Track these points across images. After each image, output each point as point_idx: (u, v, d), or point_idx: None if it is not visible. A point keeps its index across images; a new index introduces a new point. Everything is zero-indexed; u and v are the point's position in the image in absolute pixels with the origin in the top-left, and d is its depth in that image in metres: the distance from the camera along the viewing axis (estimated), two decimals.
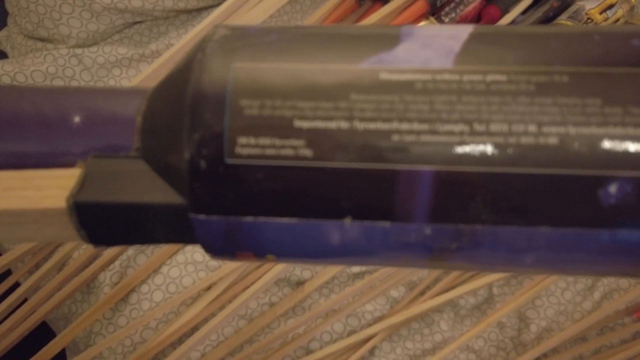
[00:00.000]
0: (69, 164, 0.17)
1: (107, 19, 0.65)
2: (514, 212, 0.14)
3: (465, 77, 0.14)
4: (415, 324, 0.62)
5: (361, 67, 0.15)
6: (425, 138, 0.14)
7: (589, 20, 0.68)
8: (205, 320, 0.56)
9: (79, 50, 0.64)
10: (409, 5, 0.65)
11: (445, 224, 0.15)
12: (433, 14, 0.66)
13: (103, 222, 0.16)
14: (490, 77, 0.14)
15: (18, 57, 0.66)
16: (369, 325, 0.60)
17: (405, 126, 0.14)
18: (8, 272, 0.60)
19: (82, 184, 0.16)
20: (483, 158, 0.14)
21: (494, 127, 0.14)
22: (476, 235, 0.15)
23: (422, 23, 0.64)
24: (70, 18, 0.64)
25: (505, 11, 0.68)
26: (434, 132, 0.14)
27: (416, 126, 0.14)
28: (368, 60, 0.15)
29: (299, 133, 0.14)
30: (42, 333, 0.61)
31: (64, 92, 0.18)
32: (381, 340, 0.60)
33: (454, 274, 0.61)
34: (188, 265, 0.58)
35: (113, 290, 0.57)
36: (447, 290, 0.60)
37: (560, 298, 0.64)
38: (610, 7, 0.69)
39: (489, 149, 0.14)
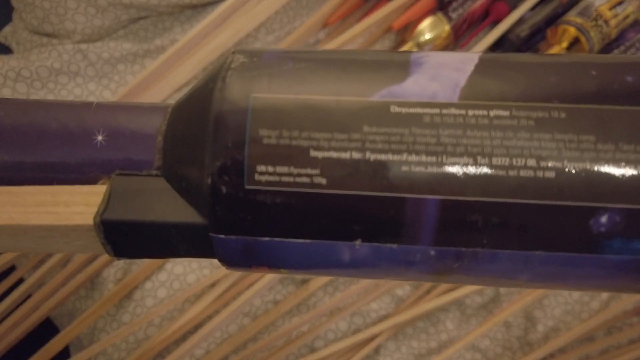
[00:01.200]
0: (93, 179, 0.18)
1: (112, 15, 0.65)
2: (512, 238, 0.15)
3: (470, 112, 0.15)
4: (421, 323, 0.61)
5: (373, 100, 0.16)
6: (432, 169, 0.15)
7: (599, 17, 0.67)
8: (209, 317, 0.55)
9: (83, 46, 0.64)
10: (416, 1, 0.64)
11: (448, 246, 0.16)
12: (441, 9, 0.65)
13: (128, 238, 0.17)
14: (493, 112, 0.15)
15: (23, 52, 0.66)
16: (374, 323, 0.59)
17: (413, 158, 0.15)
18: (12, 268, 0.60)
19: (108, 202, 0.17)
20: (485, 189, 0.15)
21: (496, 161, 0.15)
22: (476, 257, 0.16)
23: (429, 19, 0.64)
24: (75, 13, 0.63)
25: (513, 7, 0.67)
26: (440, 164, 0.15)
27: (424, 158, 0.15)
28: (379, 94, 0.16)
29: (314, 162, 0.15)
30: (46, 329, 0.60)
31: (86, 109, 0.19)
32: (386, 339, 0.60)
33: None
34: (192, 262, 0.58)
35: (117, 286, 0.57)
36: (453, 288, 0.60)
37: (567, 297, 0.63)
38: (620, 3, 0.68)
39: (490, 180, 0.15)
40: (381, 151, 0.15)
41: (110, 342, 0.55)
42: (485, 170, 0.15)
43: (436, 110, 0.15)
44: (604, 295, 0.63)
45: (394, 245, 0.16)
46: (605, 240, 0.15)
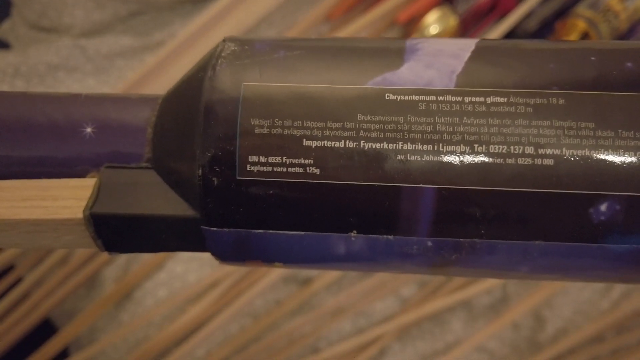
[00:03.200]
0: (82, 172, 0.18)
1: (111, 9, 0.64)
2: (511, 228, 0.15)
3: (467, 99, 0.15)
4: (427, 323, 0.60)
5: (367, 88, 0.15)
6: (428, 158, 0.15)
7: (608, 10, 0.65)
8: (210, 317, 0.55)
9: (82, 41, 0.63)
10: None
11: (446, 237, 0.15)
12: (447, 1, 0.64)
13: (118, 232, 0.17)
14: (490, 99, 0.15)
15: (21, 48, 0.65)
16: (379, 324, 0.58)
17: (409, 147, 0.15)
18: (11, 268, 0.60)
19: (97, 195, 0.17)
20: (482, 177, 0.15)
21: (493, 148, 0.15)
22: (475, 248, 0.15)
23: (435, 12, 0.62)
24: (74, 8, 0.63)
25: (520, 0, 0.66)
26: (436, 153, 0.15)
27: (420, 147, 0.15)
28: (373, 81, 0.16)
29: (307, 152, 0.15)
30: (46, 329, 0.60)
31: (74, 101, 0.19)
32: (391, 340, 0.59)
33: None
34: (193, 261, 0.57)
35: (117, 286, 0.56)
36: (459, 288, 0.59)
37: (577, 297, 0.62)
38: None
39: (488, 169, 0.15)
40: (376, 140, 0.15)
41: (110, 342, 0.54)
42: (482, 158, 0.15)
43: (432, 98, 0.15)
44: (614, 294, 0.62)
45: (390, 237, 0.15)
46: (605, 229, 0.15)
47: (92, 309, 0.56)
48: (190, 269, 0.57)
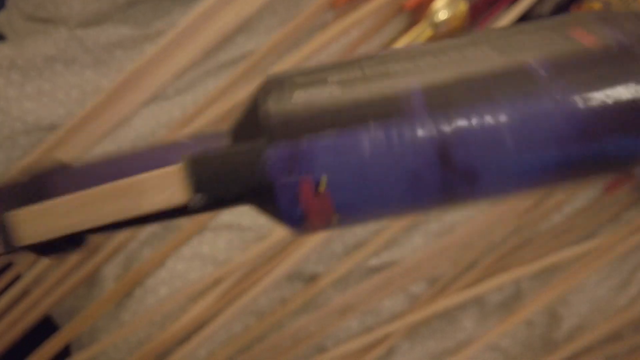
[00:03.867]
0: None
1: None
2: (479, 99, 0.21)
3: (433, 47, 0.24)
4: (437, 322, 0.59)
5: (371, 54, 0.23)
6: (411, 69, 0.23)
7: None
8: (213, 316, 0.54)
9: (80, 32, 0.62)
10: None
11: (438, 110, 0.21)
12: None
13: (207, 170, 0.22)
14: (445, 46, 0.24)
15: (18, 40, 0.64)
16: (387, 322, 0.57)
17: (400, 66, 0.23)
18: (9, 265, 0.59)
19: (189, 156, 0.22)
20: (451, 76, 0.22)
21: (453, 61, 0.23)
22: (460, 127, 0.21)
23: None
24: None
25: None
26: (416, 66, 0.23)
27: (406, 65, 0.23)
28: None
29: (331, 84, 0.22)
30: (48, 328, 0.59)
31: (164, 148, 0.26)
32: (400, 339, 0.58)
33: (479, 267, 0.58)
34: (194, 260, 0.56)
35: (117, 284, 0.55)
36: (471, 284, 0.57)
37: (593, 294, 0.60)
38: None
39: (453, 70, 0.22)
40: (376, 68, 0.23)
41: (110, 342, 0.54)
42: (448, 66, 0.23)
43: (412, 47, 0.25)
44: (632, 290, 0.61)
45: (399, 119, 0.21)
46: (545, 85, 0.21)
47: (92, 308, 0.55)
48: (191, 268, 0.56)
